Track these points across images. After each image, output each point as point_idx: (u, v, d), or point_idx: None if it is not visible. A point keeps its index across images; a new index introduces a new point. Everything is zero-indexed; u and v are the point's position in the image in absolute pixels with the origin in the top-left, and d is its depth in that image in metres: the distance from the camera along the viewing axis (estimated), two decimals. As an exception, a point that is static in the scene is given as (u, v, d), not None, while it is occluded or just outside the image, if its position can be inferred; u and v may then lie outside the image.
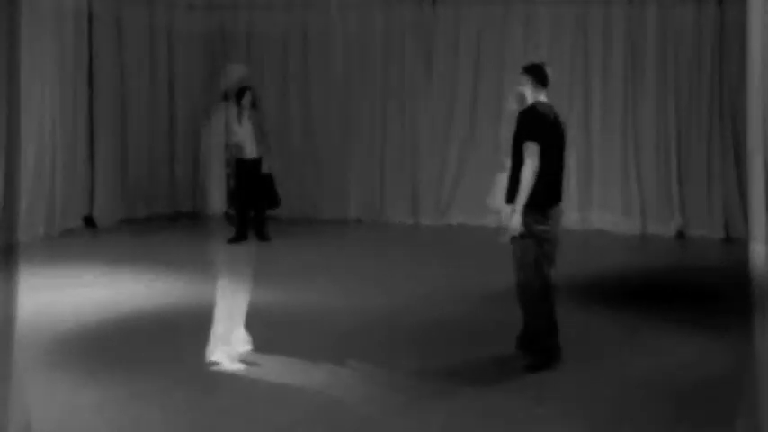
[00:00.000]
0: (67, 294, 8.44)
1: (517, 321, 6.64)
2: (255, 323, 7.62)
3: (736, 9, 11.66)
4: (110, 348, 6.82)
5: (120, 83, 13.30)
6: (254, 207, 11.23)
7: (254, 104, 11.12)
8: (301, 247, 11.57)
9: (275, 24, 13.90)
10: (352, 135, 13.75)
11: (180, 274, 9.40)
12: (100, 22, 12.78)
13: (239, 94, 11.24)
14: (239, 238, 11.13)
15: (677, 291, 9.12)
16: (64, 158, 12.04)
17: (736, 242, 11.83)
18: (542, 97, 6.33)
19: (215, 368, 6.31)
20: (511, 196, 6.18)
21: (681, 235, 12.38)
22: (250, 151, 11.03)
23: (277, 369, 6.30)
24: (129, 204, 13.35)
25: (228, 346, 6.90)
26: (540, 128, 6.16)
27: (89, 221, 12.61)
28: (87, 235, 12.15)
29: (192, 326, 7.49)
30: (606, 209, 12.73)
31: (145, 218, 13.50)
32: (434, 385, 5.95)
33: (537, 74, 6.33)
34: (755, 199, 10.55)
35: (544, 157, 6.10)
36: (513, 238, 6.17)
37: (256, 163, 11.06)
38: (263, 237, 11.27)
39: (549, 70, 6.36)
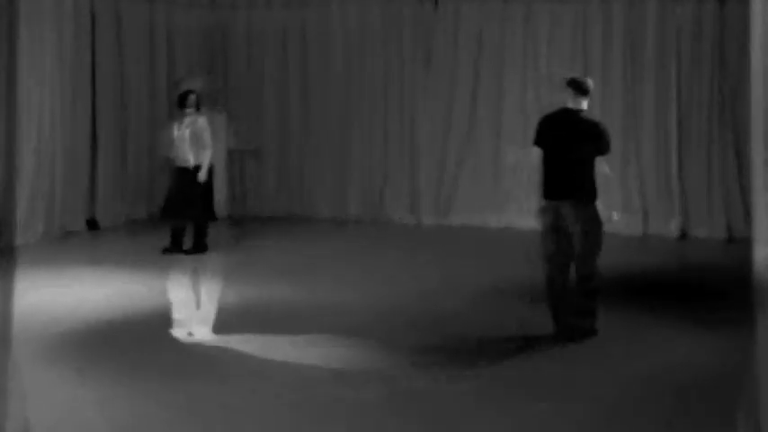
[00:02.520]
0: (67, 294, 8.44)
1: (517, 317, 7.00)
2: (255, 319, 7.63)
3: (737, 5, 11.65)
4: (109, 346, 6.83)
5: (122, 83, 13.30)
6: (189, 217, 10.39)
7: (197, 109, 10.38)
8: (301, 245, 11.58)
9: (274, 22, 13.91)
10: (352, 133, 13.74)
11: (179, 273, 9.42)
12: (101, 20, 12.79)
13: (182, 98, 10.41)
14: (172, 248, 10.34)
15: (679, 290, 9.11)
16: (66, 160, 12.02)
17: (738, 242, 11.80)
18: (582, 104, 7.18)
19: (213, 361, 6.32)
20: None
21: (683, 235, 12.35)
22: (185, 159, 10.21)
23: (280, 364, 6.30)
24: (131, 205, 13.35)
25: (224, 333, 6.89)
26: (537, 133, 7.16)
27: (92, 223, 12.62)
28: (89, 236, 12.16)
29: (191, 324, 7.50)
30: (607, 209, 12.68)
31: (147, 218, 13.50)
32: (433, 379, 5.95)
33: (575, 85, 7.24)
34: (758, 201, 10.50)
35: (545, 156, 7.02)
36: None
37: (194, 171, 10.22)
38: (198, 247, 10.41)
39: (589, 82, 7.32)
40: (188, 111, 10.28)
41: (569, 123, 7.05)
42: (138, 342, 6.97)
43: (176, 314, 7.93)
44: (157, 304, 8.15)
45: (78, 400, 5.55)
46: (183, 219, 10.34)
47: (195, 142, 10.17)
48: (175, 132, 10.27)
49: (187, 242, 10.37)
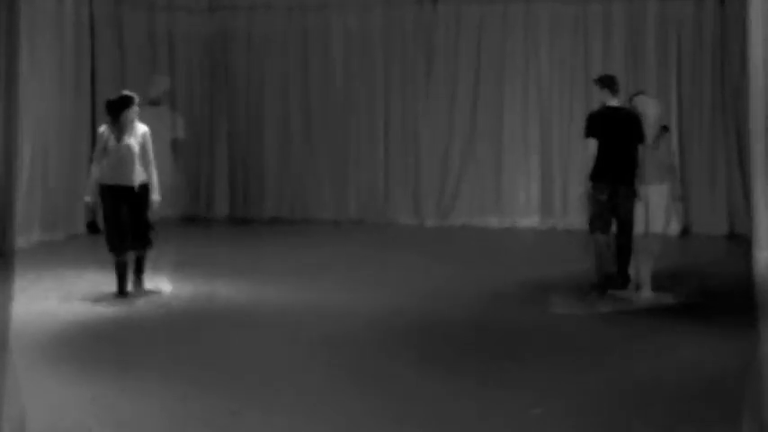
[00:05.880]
0: (64, 295, 8.48)
1: (519, 320, 7.02)
2: (254, 321, 7.63)
3: (737, 5, 11.64)
4: (103, 347, 6.88)
5: (122, 87, 13.27)
6: (143, 247, 8.59)
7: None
8: (302, 248, 11.57)
9: (275, 26, 13.91)
10: (353, 135, 13.75)
11: (178, 275, 9.43)
12: (101, 26, 12.81)
13: (120, 104, 8.40)
14: (120, 291, 8.49)
15: (681, 289, 9.07)
16: (66, 164, 12.07)
17: (740, 239, 11.78)
18: (613, 101, 8.56)
19: (208, 363, 6.31)
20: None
21: (685, 232, 12.33)
22: (130, 178, 8.36)
23: (277, 367, 6.29)
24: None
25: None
26: (590, 127, 8.50)
27: (92, 226, 12.61)
28: (90, 240, 12.17)
29: (186, 325, 7.52)
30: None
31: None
32: (432, 383, 5.93)
33: (607, 83, 8.68)
34: (759, 204, 10.43)
35: (599, 146, 8.34)
36: None
37: (136, 190, 8.42)
38: (137, 285, 8.61)
39: (617, 80, 8.75)
40: (129, 118, 8.38)
41: (619, 118, 8.40)
42: (134, 342, 7.01)
43: (173, 314, 7.92)
44: (154, 305, 8.14)
45: (75, 399, 5.55)
46: (133, 250, 8.55)
47: (143, 157, 8.43)
48: (112, 144, 8.36)
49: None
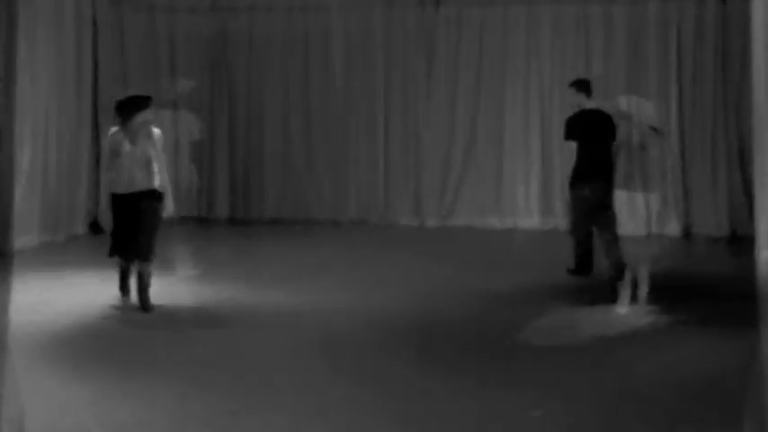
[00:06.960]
0: (63, 296, 8.50)
1: (519, 320, 7.11)
2: (252, 322, 7.62)
3: (739, 4, 11.64)
4: (103, 347, 6.87)
5: (124, 88, 13.31)
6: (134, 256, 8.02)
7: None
8: (302, 248, 11.57)
9: (276, 26, 13.92)
10: (355, 137, 13.75)
11: (179, 276, 9.44)
12: (103, 27, 12.84)
13: (133, 105, 7.90)
14: (123, 292, 8.24)
15: (682, 291, 9.07)
16: (68, 165, 12.09)
17: (742, 240, 11.76)
18: (589, 104, 9.03)
19: (208, 363, 6.30)
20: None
21: (686, 234, 12.32)
22: (140, 183, 7.87)
23: (274, 368, 6.29)
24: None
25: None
26: (570, 130, 8.88)
27: (95, 226, 12.62)
28: (92, 240, 12.18)
29: (186, 325, 7.52)
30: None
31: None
32: (432, 383, 5.92)
33: (582, 86, 9.14)
34: (761, 205, 10.41)
35: (579, 148, 8.71)
36: None
37: (145, 197, 7.88)
38: (143, 304, 7.97)
39: (591, 83, 9.24)
40: (142, 120, 7.87)
41: (597, 120, 8.77)
42: (134, 342, 7.01)
43: (173, 314, 7.92)
44: (155, 305, 8.14)
45: (75, 400, 5.55)
46: (136, 259, 8.04)
47: (156, 162, 7.93)
48: (125, 148, 7.86)
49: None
